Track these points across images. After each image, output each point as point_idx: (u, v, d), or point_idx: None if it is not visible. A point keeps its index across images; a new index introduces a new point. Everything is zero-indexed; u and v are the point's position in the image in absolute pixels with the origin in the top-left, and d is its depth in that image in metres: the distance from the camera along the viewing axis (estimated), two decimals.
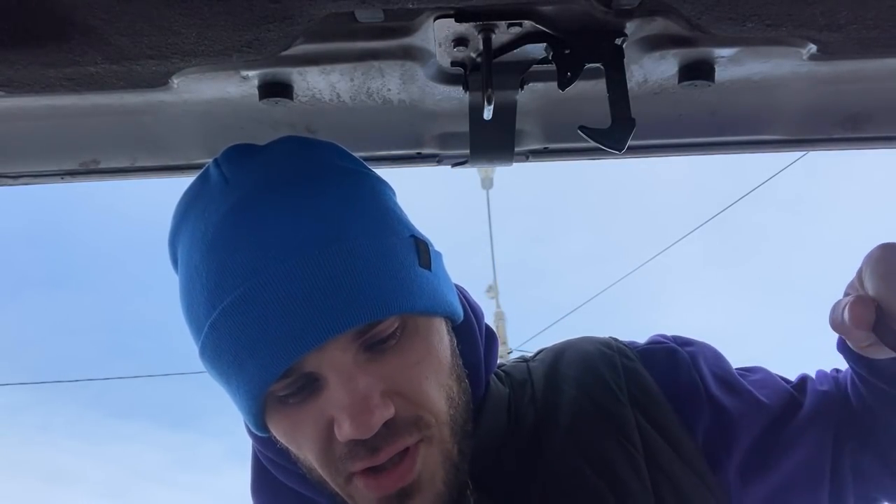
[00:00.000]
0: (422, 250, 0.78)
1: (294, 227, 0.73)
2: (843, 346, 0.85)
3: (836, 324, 0.77)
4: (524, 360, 0.99)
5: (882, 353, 0.77)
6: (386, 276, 0.73)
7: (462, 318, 0.85)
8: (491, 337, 0.91)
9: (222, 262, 0.74)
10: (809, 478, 0.89)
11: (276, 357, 0.71)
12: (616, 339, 0.97)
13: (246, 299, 0.72)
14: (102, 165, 1.02)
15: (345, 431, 0.71)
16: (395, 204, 0.83)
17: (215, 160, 0.82)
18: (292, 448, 0.79)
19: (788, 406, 0.92)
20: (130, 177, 1.04)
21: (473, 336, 0.87)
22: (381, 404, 0.71)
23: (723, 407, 0.90)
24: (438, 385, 0.76)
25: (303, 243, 0.72)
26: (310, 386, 0.74)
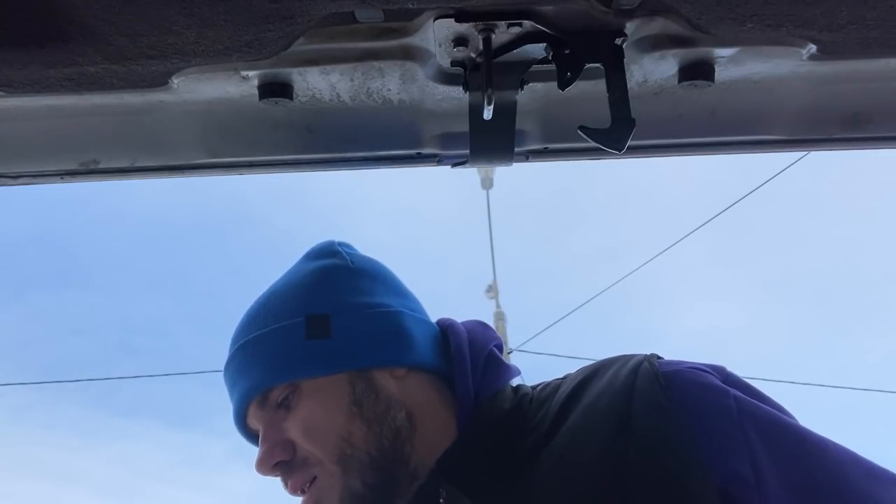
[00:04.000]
0: (312, 326, 0.99)
1: (240, 325, 1.05)
2: None
3: None
4: (564, 377, 1.03)
5: None
6: (265, 359, 0.99)
7: (426, 359, 1.02)
8: (492, 363, 1.03)
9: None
10: None
11: (235, 412, 1.02)
12: (651, 360, 0.93)
13: (224, 370, 1.06)
14: (102, 165, 1.02)
15: (255, 468, 0.99)
16: (307, 293, 1.03)
17: None
18: None
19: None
20: (130, 177, 1.04)
21: (462, 369, 1.01)
22: (277, 451, 0.97)
23: (759, 455, 0.85)
24: (326, 433, 0.96)
25: (238, 337, 1.04)
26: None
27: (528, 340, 9.43)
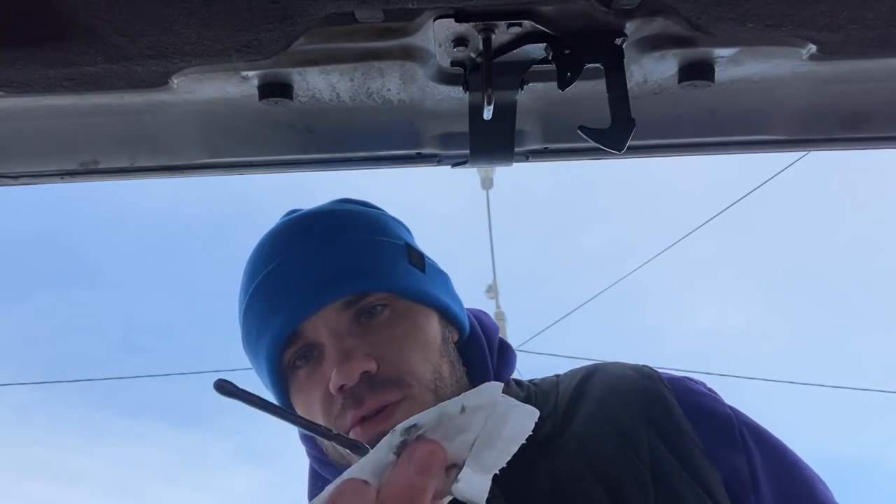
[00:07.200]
0: (413, 255, 0.94)
1: (306, 230, 0.94)
2: None
3: None
4: (557, 375, 1.06)
5: None
6: (373, 261, 0.91)
7: (468, 330, 0.98)
8: (505, 352, 1.02)
9: (256, 258, 0.95)
10: None
11: (284, 324, 0.87)
12: (648, 367, 1.01)
13: (266, 280, 0.91)
14: (102, 165, 1.02)
15: (332, 381, 0.84)
16: (400, 228, 1.00)
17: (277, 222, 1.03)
18: None
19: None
20: (130, 177, 1.04)
21: (481, 350, 0.99)
22: (362, 357, 0.85)
23: (754, 456, 0.92)
24: (423, 358, 0.88)
25: (309, 239, 0.92)
26: (315, 356, 0.88)
27: (528, 340, 9.42)
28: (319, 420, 0.87)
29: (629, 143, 0.81)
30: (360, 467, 0.54)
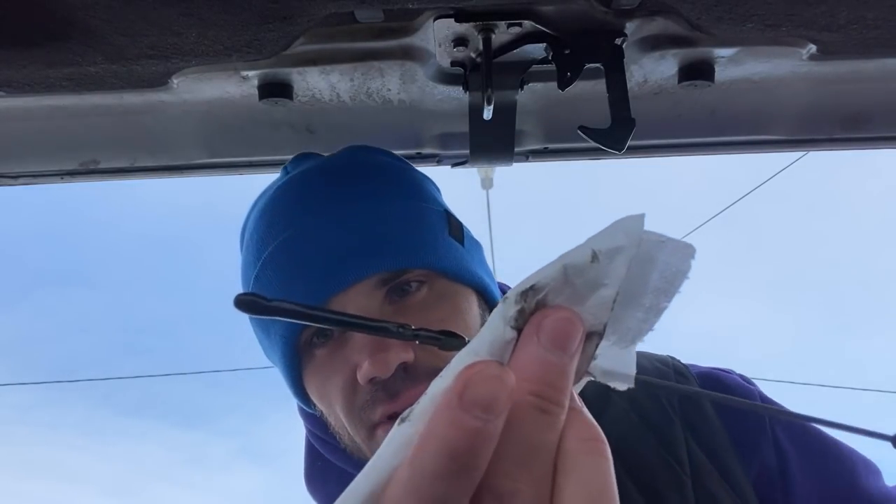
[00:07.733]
0: (453, 224, 0.84)
1: (332, 188, 0.82)
2: None
3: None
4: None
5: None
6: (412, 233, 0.80)
7: None
8: None
9: (269, 219, 0.83)
10: None
11: (308, 300, 0.76)
12: (674, 358, 0.96)
13: (284, 247, 0.79)
14: (102, 165, 1.02)
15: (364, 370, 0.73)
16: (434, 188, 0.90)
17: (285, 167, 0.91)
18: (324, 407, 0.82)
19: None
20: (130, 177, 1.04)
21: None
22: (400, 346, 0.73)
23: (787, 452, 0.88)
24: None
25: (338, 200, 0.80)
26: (337, 335, 0.78)
27: None
28: (338, 411, 0.79)
29: (629, 143, 0.81)
30: (473, 350, 0.40)
